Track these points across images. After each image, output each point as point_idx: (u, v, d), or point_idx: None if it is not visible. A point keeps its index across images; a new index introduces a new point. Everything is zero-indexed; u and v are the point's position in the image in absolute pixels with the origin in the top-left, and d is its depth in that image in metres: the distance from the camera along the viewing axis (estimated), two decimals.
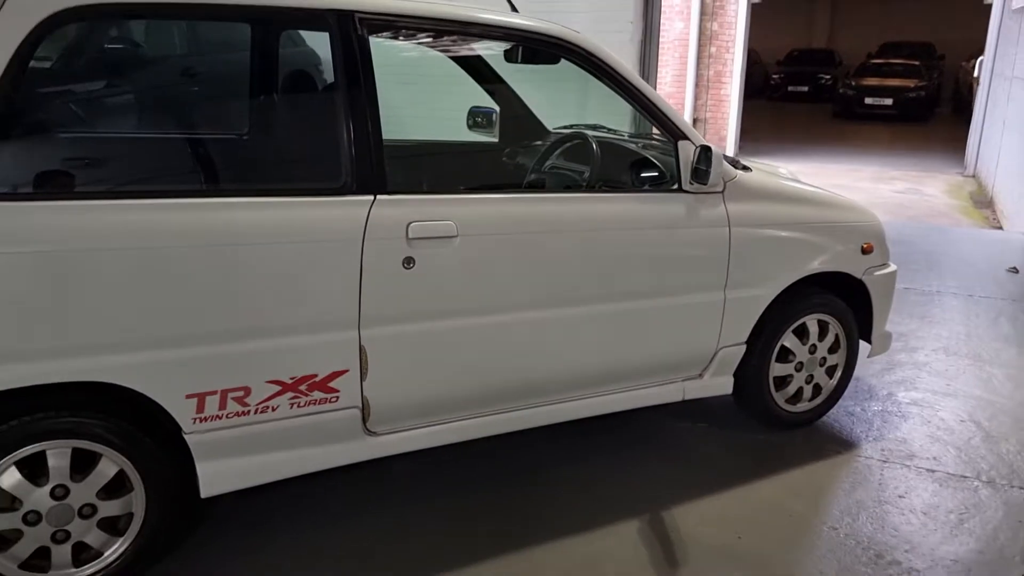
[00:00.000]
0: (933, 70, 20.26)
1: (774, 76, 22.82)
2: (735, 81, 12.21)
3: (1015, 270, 5.83)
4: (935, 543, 2.61)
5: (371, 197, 2.31)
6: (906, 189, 9.75)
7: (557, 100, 4.44)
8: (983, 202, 9.16)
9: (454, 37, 2.83)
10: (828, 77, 22.10)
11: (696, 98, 12.45)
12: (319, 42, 2.45)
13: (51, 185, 2.09)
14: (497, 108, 3.66)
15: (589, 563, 2.47)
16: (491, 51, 3.45)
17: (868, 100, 18.06)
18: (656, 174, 2.84)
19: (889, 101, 17.94)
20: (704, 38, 12.15)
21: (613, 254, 2.71)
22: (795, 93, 22.27)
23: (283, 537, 2.54)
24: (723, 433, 3.31)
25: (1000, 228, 7.82)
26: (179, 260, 2.09)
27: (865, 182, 10.13)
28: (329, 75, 2.41)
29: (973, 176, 10.85)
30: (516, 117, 3.72)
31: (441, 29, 2.58)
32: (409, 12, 2.43)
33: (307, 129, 2.48)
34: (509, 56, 3.16)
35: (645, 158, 2.95)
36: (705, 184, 2.74)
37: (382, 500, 2.76)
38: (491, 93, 3.68)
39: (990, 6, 11.14)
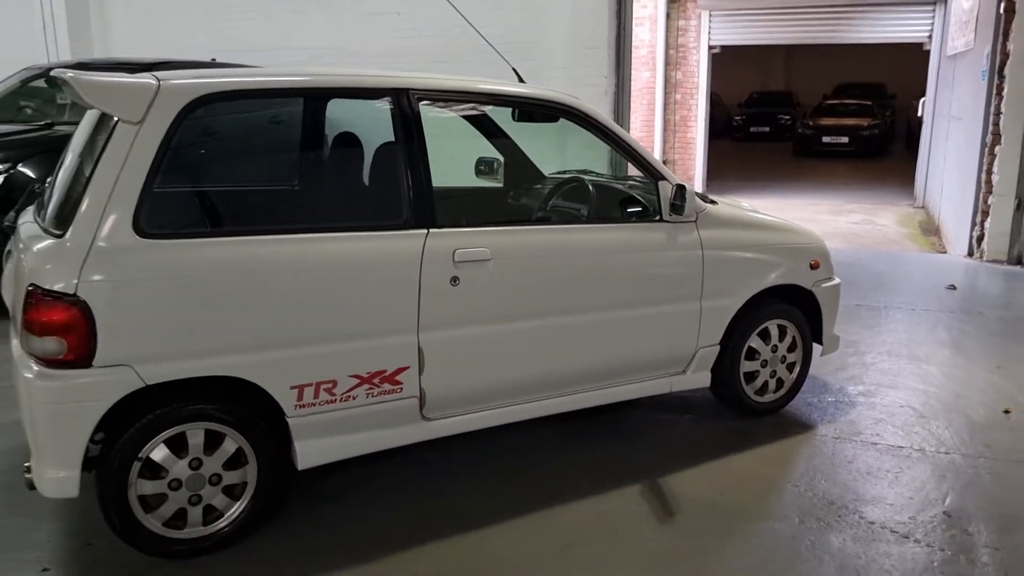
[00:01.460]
0: (886, 109, 21.49)
1: (736, 118, 23.97)
2: (700, 124, 13.14)
3: (953, 287, 6.61)
4: (876, 493, 3.28)
5: (425, 231, 2.98)
6: (861, 220, 10.60)
7: (543, 148, 5.16)
8: (931, 230, 10.02)
9: (483, 105, 3.53)
10: (787, 117, 23.28)
11: (664, 141, 13.35)
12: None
13: (203, 225, 2.75)
14: (501, 157, 4.36)
15: (601, 516, 3.10)
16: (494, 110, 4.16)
17: (825, 139, 19.17)
18: (640, 209, 3.54)
19: (845, 139, 19.06)
20: (669, 86, 13.09)
21: (611, 271, 3.40)
22: (757, 133, 23.42)
23: (372, 502, 3.16)
24: (704, 422, 3.97)
25: (944, 252, 8.64)
26: (288, 280, 2.74)
27: (824, 214, 10.97)
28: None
29: (922, 207, 11.76)
30: (518, 164, 4.41)
31: (475, 100, 3.29)
32: (451, 87, 3.16)
33: (378, 178, 3.14)
34: (517, 116, 3.87)
35: (632, 195, 3.66)
36: (681, 215, 3.45)
37: (434, 475, 3.38)
38: (497, 145, 4.36)
39: (928, 52, 12.18)
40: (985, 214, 7.59)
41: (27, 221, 3.03)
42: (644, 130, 12.83)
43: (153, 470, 2.69)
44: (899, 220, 10.74)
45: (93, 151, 2.76)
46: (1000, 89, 7.28)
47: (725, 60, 13.97)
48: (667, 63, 12.90)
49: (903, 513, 3.13)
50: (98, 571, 2.76)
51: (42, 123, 6.30)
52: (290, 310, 2.77)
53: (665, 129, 13.24)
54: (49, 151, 5.85)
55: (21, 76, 7.26)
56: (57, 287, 2.48)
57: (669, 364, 3.67)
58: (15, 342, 2.90)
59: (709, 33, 12.58)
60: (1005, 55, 7.21)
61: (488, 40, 4.16)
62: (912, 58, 19.88)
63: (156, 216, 2.63)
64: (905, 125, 22.34)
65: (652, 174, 3.51)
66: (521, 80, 3.80)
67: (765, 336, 3.92)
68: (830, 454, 3.63)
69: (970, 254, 7.85)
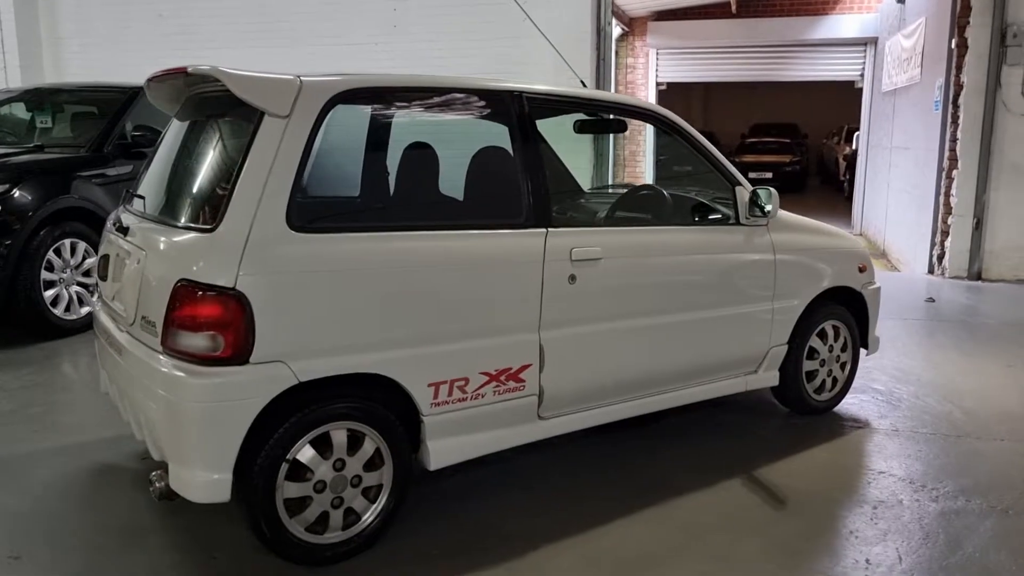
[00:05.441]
0: (801, 147, 22.70)
1: (661, 156, 24.78)
2: (648, 159, 13.56)
3: (932, 300, 7.02)
4: (954, 474, 3.46)
5: (544, 230, 3.03)
6: None
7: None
8: (876, 253, 10.60)
9: (592, 111, 3.62)
10: None
11: (615, 176, 13.69)
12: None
13: (349, 220, 2.72)
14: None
15: (717, 506, 3.17)
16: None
17: (751, 174, 20.00)
18: (719, 216, 3.67)
19: (769, 175, 19.92)
20: None
21: (703, 271, 3.52)
22: (679, 172, 24.23)
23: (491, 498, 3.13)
24: (768, 423, 4.09)
25: (898, 272, 9.16)
26: (428, 275, 2.74)
27: None
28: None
29: (861, 234, 12.43)
30: (559, 176, 4.45)
31: (573, 104, 3.38)
32: (556, 93, 3.24)
33: (500, 179, 3.15)
34: (582, 127, 3.97)
35: (701, 202, 3.79)
36: (765, 216, 3.60)
37: (558, 471, 3.38)
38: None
39: (860, 89, 12.99)
40: (945, 234, 8.10)
41: (137, 222, 2.92)
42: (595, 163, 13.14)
43: (298, 472, 2.61)
44: None
45: (211, 149, 2.72)
46: (956, 118, 7.84)
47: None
48: None
49: (993, 492, 3.30)
50: None
51: (31, 146, 6.04)
52: (430, 305, 2.76)
53: (615, 164, 13.60)
54: (42, 173, 5.63)
55: None
56: (214, 281, 2.41)
57: (746, 363, 3.78)
58: (126, 339, 2.78)
59: (657, 70, 13.08)
60: (959, 86, 7.79)
61: (550, 40, 4.26)
62: (824, 99, 21.21)
63: (306, 210, 2.60)
64: (817, 162, 23.72)
65: (729, 179, 3.66)
66: (584, 85, 3.91)
67: (823, 336, 4.09)
68: (898, 445, 3.80)
69: (930, 271, 8.35)
